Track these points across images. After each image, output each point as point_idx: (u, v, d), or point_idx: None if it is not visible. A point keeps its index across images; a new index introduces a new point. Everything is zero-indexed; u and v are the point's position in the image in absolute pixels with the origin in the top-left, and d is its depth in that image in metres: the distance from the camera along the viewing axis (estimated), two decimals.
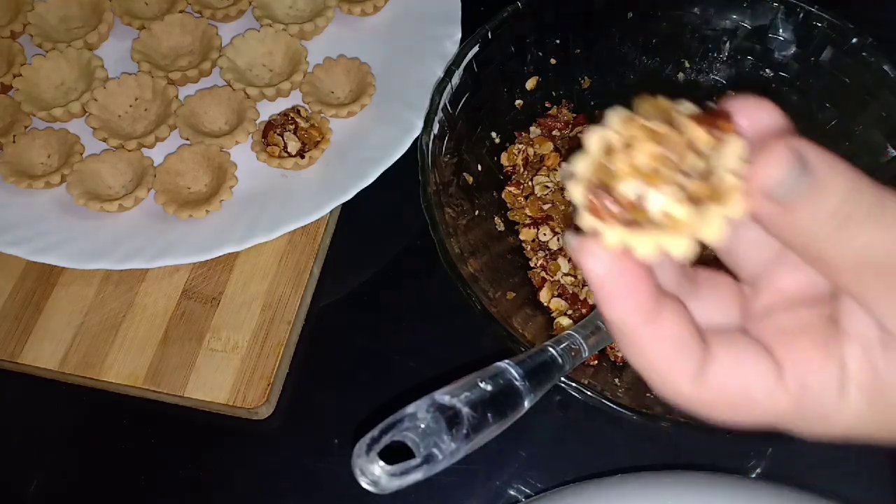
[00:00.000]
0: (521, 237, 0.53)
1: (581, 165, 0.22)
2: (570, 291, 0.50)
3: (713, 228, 0.21)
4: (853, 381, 0.23)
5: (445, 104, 0.49)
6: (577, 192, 0.22)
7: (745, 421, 0.24)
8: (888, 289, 0.22)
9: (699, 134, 0.21)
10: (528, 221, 0.53)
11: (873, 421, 0.23)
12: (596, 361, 0.47)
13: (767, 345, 0.24)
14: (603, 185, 0.21)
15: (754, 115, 0.22)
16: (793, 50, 0.52)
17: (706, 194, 0.21)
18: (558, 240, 0.52)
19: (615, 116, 0.22)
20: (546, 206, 0.53)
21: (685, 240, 0.21)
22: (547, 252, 0.52)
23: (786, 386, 0.23)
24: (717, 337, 0.24)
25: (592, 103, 0.57)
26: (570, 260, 0.51)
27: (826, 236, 0.21)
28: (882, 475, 0.48)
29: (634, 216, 0.21)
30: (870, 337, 0.23)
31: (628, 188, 0.21)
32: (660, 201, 0.21)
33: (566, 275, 0.51)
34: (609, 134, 0.22)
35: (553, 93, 0.56)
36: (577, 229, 0.22)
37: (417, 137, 0.51)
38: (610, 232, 0.21)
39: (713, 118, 0.21)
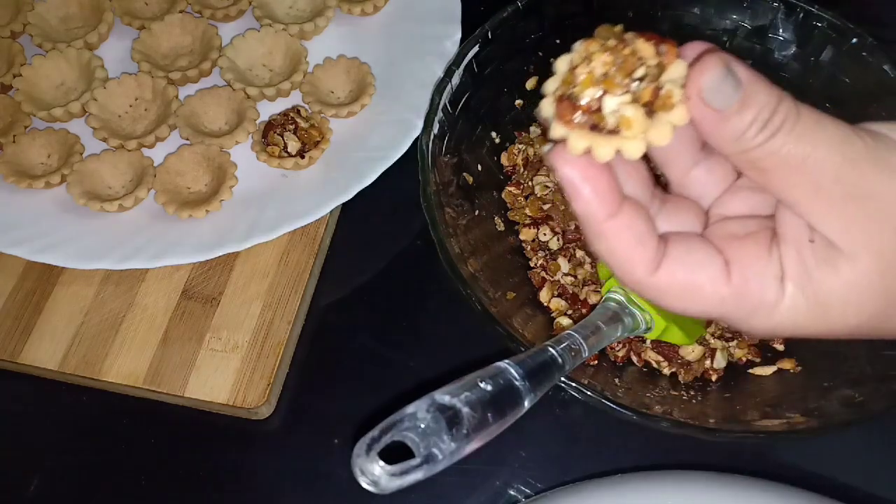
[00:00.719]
0: (521, 237, 0.53)
1: (550, 84, 0.26)
2: (570, 291, 0.50)
3: (661, 132, 0.24)
4: (789, 276, 0.27)
5: (445, 104, 0.49)
6: (547, 106, 0.25)
7: (693, 308, 0.28)
8: (811, 192, 0.25)
9: (646, 48, 0.25)
10: (528, 221, 0.53)
11: (809, 315, 0.27)
12: (596, 361, 0.47)
13: (718, 246, 0.28)
14: (568, 97, 0.25)
15: (695, 48, 0.26)
16: (793, 50, 0.52)
17: (655, 103, 0.24)
18: (558, 240, 0.52)
19: (578, 43, 0.25)
20: (546, 206, 0.53)
21: (637, 143, 0.24)
22: (547, 252, 0.52)
23: (730, 279, 0.27)
24: (674, 236, 0.28)
25: None
26: (570, 259, 0.51)
27: (756, 144, 0.25)
28: (882, 475, 0.48)
29: (596, 120, 0.24)
30: (801, 238, 0.26)
31: (588, 94, 0.24)
32: (613, 103, 0.24)
33: (566, 275, 0.51)
34: (574, 56, 0.25)
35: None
36: (554, 143, 0.26)
37: (417, 137, 0.51)
38: (576, 138, 0.25)
39: (659, 40, 0.25)
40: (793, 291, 0.26)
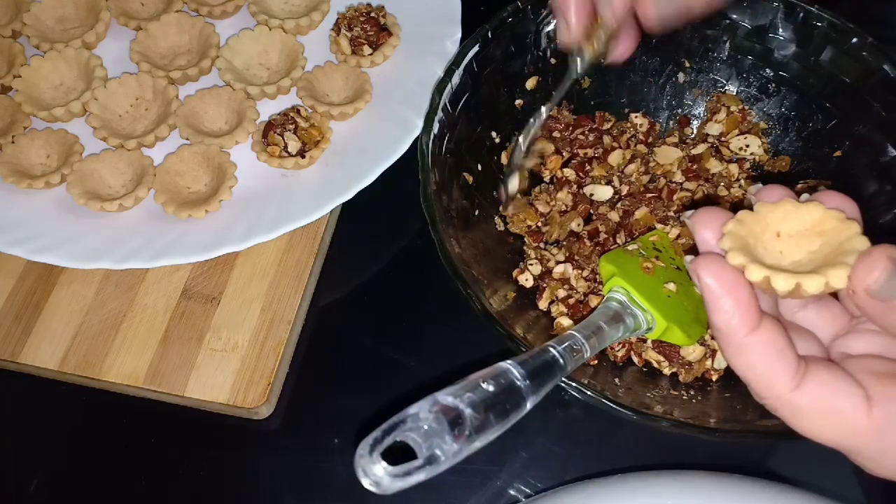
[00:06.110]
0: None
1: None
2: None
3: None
4: None
5: (445, 104, 0.48)
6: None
7: (825, 433, 0.27)
8: None
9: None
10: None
11: None
12: (596, 361, 0.47)
13: (859, 379, 0.27)
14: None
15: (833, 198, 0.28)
16: (793, 50, 0.52)
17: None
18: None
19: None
20: None
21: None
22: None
23: (872, 414, 0.26)
24: (814, 359, 0.28)
25: (592, 103, 0.57)
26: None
27: None
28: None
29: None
30: None
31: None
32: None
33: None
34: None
35: (553, 93, 0.56)
36: (693, 252, 0.28)
37: (417, 137, 0.51)
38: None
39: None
40: None
